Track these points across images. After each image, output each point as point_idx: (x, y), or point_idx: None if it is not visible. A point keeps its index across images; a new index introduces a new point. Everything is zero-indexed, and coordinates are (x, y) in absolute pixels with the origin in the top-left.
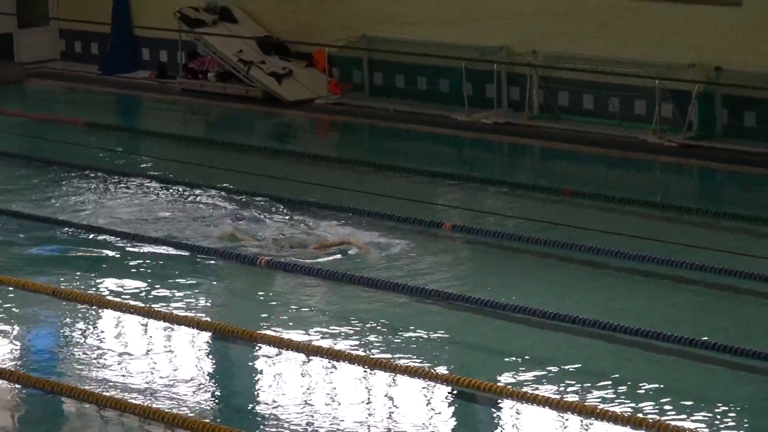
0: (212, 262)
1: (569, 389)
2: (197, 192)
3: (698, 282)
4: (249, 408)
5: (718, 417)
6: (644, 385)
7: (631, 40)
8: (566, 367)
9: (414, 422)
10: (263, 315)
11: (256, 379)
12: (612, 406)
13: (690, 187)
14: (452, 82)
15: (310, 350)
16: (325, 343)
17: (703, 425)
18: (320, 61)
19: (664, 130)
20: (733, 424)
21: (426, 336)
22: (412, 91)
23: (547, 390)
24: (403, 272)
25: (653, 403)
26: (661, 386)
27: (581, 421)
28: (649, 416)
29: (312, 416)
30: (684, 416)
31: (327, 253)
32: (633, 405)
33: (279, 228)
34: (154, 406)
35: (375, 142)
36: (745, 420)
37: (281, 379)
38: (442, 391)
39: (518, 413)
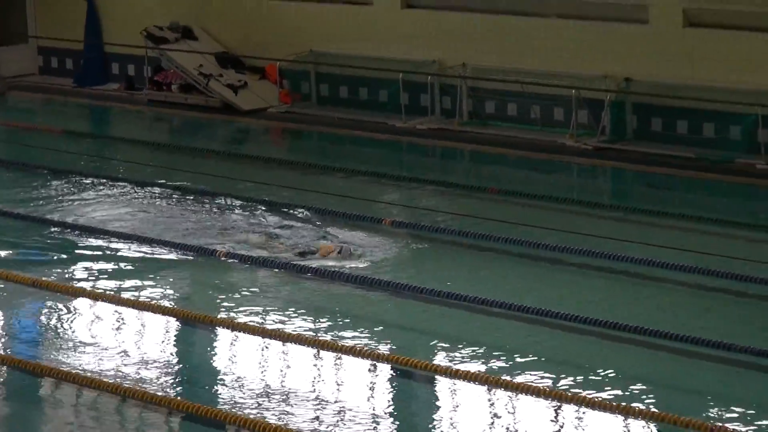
0: (177, 254)
1: (496, 367)
2: (163, 191)
3: (610, 269)
4: (210, 385)
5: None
6: (556, 361)
7: (550, 54)
8: (493, 347)
9: (356, 396)
10: (222, 302)
11: (215, 359)
12: (527, 380)
13: (603, 185)
14: (390, 92)
15: (264, 333)
16: (277, 327)
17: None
18: (272, 73)
19: (580, 135)
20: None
21: (369, 319)
22: (354, 100)
23: (476, 367)
24: (348, 263)
25: (564, 377)
26: (579, 363)
27: (507, 395)
28: (561, 388)
29: (266, 392)
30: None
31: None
32: (551, 378)
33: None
34: (124, 384)
35: (322, 146)
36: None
37: (238, 360)
38: (384, 369)
39: (452, 390)
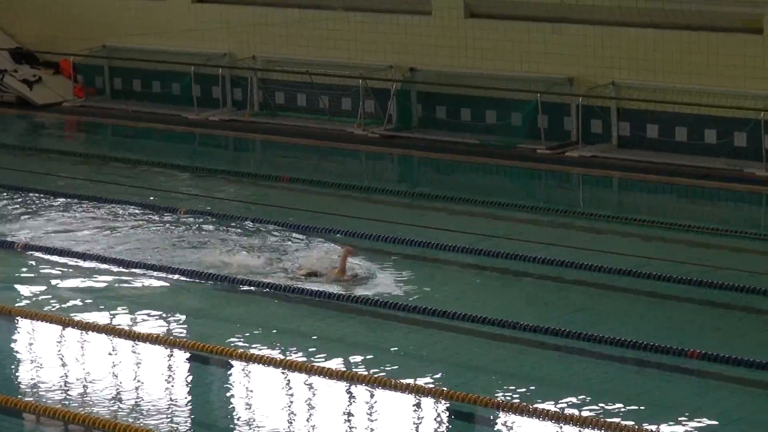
0: None
1: (290, 351)
2: None
3: (398, 253)
4: (9, 375)
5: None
6: (346, 343)
7: (338, 46)
8: (286, 331)
9: (152, 382)
10: (22, 293)
11: (16, 349)
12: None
13: (391, 172)
14: (183, 85)
15: (64, 323)
16: (78, 317)
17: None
18: (66, 68)
19: (367, 123)
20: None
21: (169, 308)
22: (148, 93)
23: (264, 351)
24: (139, 249)
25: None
26: (367, 343)
27: (302, 378)
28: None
29: (66, 377)
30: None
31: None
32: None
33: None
34: None
35: (116, 139)
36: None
37: (38, 348)
38: (180, 355)
39: (247, 372)
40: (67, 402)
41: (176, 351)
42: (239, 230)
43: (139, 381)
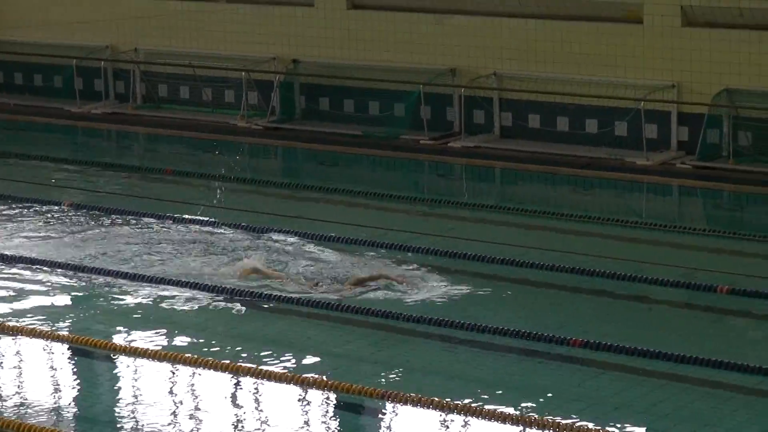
0: None
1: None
2: None
3: (280, 246)
4: None
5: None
6: (229, 336)
7: (220, 38)
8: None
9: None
10: None
11: None
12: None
13: (275, 164)
14: (65, 78)
15: None
16: None
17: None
18: None
19: (251, 116)
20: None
21: (41, 299)
22: (29, 87)
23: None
24: (21, 244)
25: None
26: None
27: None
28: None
29: None
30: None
31: (364, 288)
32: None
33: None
34: None
35: None
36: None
37: None
38: (59, 348)
39: (128, 365)
40: None
41: (55, 344)
42: (124, 223)
43: (23, 377)
